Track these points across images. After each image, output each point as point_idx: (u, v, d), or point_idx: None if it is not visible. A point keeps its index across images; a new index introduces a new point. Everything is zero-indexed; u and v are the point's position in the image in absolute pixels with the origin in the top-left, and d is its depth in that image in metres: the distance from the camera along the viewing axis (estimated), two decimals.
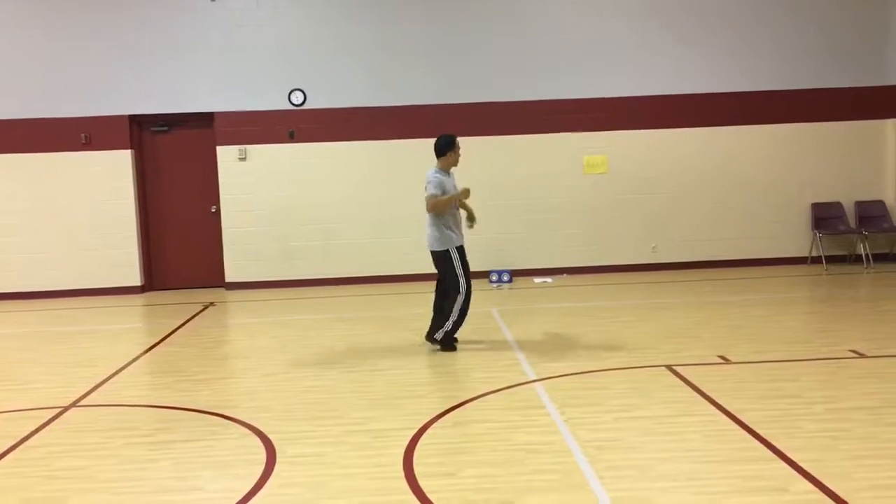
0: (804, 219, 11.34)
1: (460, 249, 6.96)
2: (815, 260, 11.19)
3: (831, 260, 11.13)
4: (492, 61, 11.02)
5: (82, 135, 10.86)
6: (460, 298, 6.91)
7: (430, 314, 7.12)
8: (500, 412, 5.22)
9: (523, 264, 11.14)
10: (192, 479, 4.28)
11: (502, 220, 11.11)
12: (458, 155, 6.97)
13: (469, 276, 6.98)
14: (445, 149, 6.90)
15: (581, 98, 11.08)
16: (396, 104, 11.00)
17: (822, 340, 6.94)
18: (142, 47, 10.82)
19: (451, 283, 6.91)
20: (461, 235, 7.00)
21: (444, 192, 6.78)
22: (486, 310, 8.81)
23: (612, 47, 11.08)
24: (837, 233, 11.19)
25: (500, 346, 7.10)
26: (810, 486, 3.85)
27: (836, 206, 11.29)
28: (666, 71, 11.11)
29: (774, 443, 4.40)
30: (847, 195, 11.33)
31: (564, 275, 11.15)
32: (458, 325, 7.00)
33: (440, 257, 6.93)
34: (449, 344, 6.99)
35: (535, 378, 5.96)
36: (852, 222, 11.27)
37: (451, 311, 6.91)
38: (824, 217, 11.25)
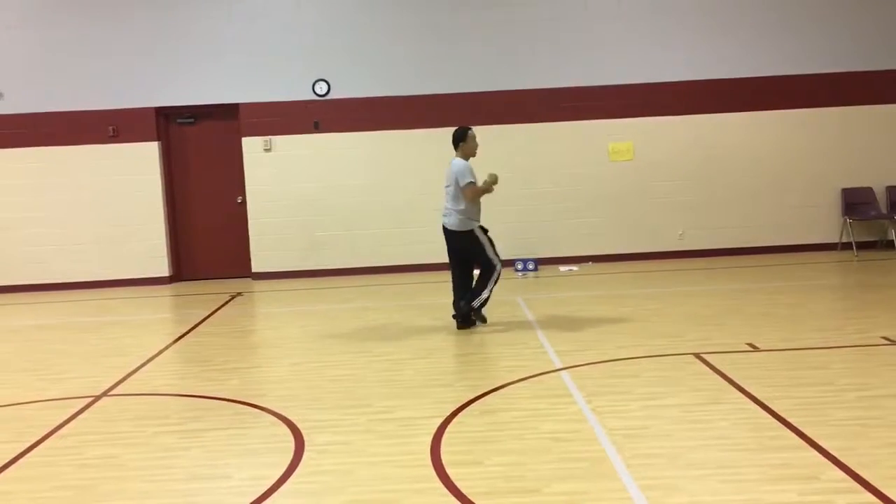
0: (834, 204, 11.18)
1: (482, 229, 7.29)
2: (846, 246, 11.04)
3: (861, 246, 10.96)
4: (516, 49, 10.96)
5: (110, 127, 10.97)
6: (495, 274, 7.26)
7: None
8: (526, 401, 5.22)
9: (549, 252, 11.10)
10: (221, 466, 4.33)
11: (528, 209, 11.08)
12: (475, 144, 7.28)
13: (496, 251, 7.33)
14: (458, 140, 7.23)
15: (607, 85, 11.00)
16: (420, 93, 10.98)
17: (853, 327, 6.85)
18: (167, 40, 10.89)
19: (484, 262, 7.25)
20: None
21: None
22: (511, 298, 8.80)
23: (638, 33, 10.97)
24: (868, 218, 11.03)
25: (526, 334, 7.09)
26: (841, 474, 3.80)
27: (867, 192, 11.12)
28: (693, 56, 10.99)
29: (804, 430, 4.36)
30: (878, 180, 11.15)
31: (590, 263, 11.09)
32: (488, 299, 7.34)
33: (466, 238, 7.23)
34: (480, 314, 7.41)
35: (561, 366, 5.94)
36: (883, 207, 11.10)
37: (487, 285, 7.27)
38: (855, 202, 11.09)
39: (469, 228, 7.20)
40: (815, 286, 8.88)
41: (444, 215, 7.33)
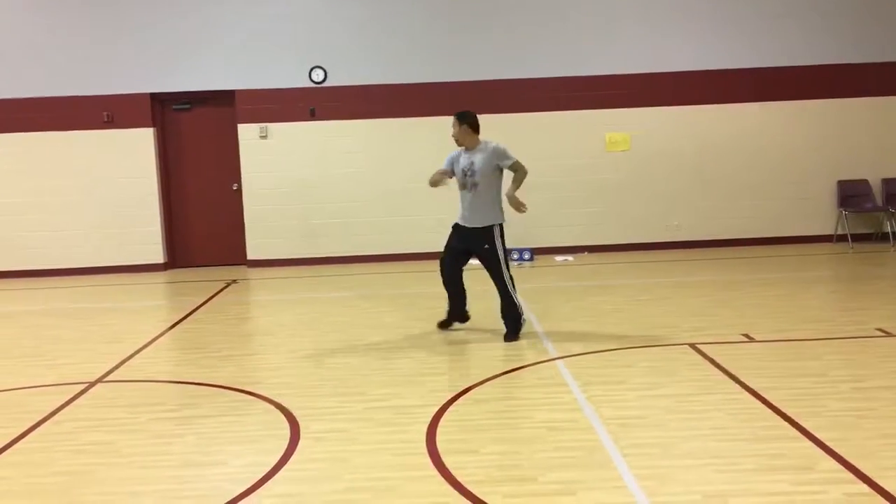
0: (830, 196, 11.20)
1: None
2: (841, 238, 11.06)
3: (857, 238, 10.98)
4: (513, 38, 10.93)
5: (105, 113, 10.91)
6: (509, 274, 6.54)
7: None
8: (522, 390, 5.23)
9: (545, 242, 11.10)
10: (216, 453, 4.32)
11: (524, 198, 11.01)
12: (454, 131, 6.62)
13: None
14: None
15: (603, 74, 10.98)
16: (417, 81, 10.94)
17: (848, 319, 6.87)
18: (163, 25, 10.83)
19: (502, 259, 6.51)
20: None
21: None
22: None
23: (635, 23, 10.95)
24: (864, 211, 11.05)
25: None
26: (836, 464, 3.82)
27: (863, 184, 11.14)
28: (689, 46, 10.98)
29: (799, 421, 4.37)
30: (874, 172, 11.17)
31: (586, 253, 11.10)
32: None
33: (494, 233, 6.51)
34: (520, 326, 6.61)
35: (556, 356, 5.95)
36: (879, 200, 11.12)
37: (513, 293, 6.51)
38: (851, 195, 11.11)
39: (500, 222, 6.55)
40: (810, 278, 8.90)
41: (472, 211, 6.49)
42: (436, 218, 10.73)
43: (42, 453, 4.42)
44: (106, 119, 10.93)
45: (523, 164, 6.58)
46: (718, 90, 11.03)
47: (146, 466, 4.18)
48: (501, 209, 6.64)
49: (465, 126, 6.58)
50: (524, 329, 6.64)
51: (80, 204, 11.00)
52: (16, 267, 10.97)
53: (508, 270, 6.57)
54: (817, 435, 4.17)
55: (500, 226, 6.59)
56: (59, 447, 4.50)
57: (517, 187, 6.55)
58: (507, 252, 6.60)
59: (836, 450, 3.97)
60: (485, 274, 6.63)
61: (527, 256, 10.76)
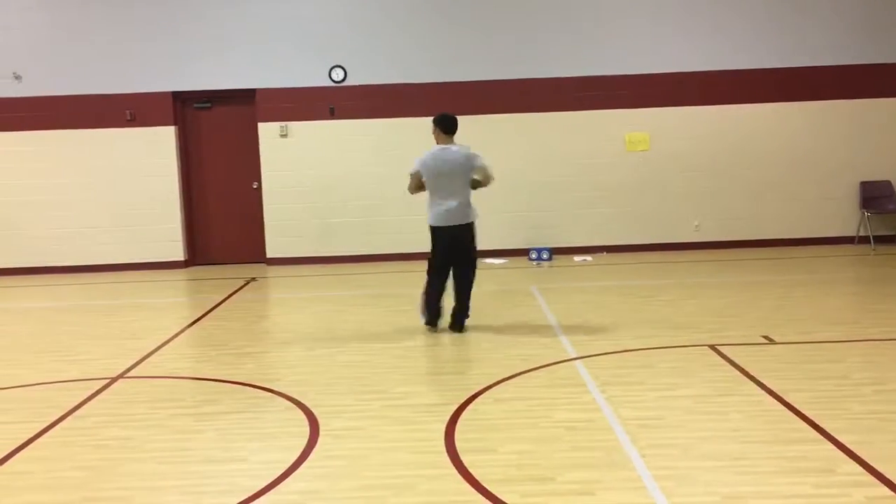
0: (852, 197, 11.09)
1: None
2: (863, 239, 10.95)
3: (879, 240, 10.87)
4: (535, 37, 10.90)
5: (127, 111, 11.00)
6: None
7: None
8: (540, 389, 5.22)
9: (563, 242, 11.06)
10: (236, 450, 4.35)
11: (543, 198, 11.05)
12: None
13: None
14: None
15: (623, 74, 10.93)
16: (437, 81, 10.94)
17: (870, 321, 6.81)
18: (185, 24, 10.90)
19: (474, 256, 6.84)
20: None
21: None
22: (525, 287, 8.79)
23: (655, 22, 10.89)
24: (886, 212, 10.94)
25: (540, 323, 7.08)
26: (858, 467, 3.79)
27: (886, 185, 11.02)
28: (711, 46, 10.90)
29: (820, 424, 4.34)
30: None
31: (604, 253, 11.06)
32: None
33: (472, 229, 6.78)
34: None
35: (575, 356, 5.93)
36: None
37: (471, 287, 6.84)
38: (873, 196, 10.99)
39: (475, 220, 6.79)
40: (831, 279, 8.82)
41: (453, 209, 6.64)
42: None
43: (64, 448, 4.46)
44: (128, 117, 11.01)
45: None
46: (739, 90, 10.95)
47: (166, 462, 4.22)
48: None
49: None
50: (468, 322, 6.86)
51: (101, 201, 11.09)
52: (38, 263, 11.08)
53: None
54: (839, 438, 4.13)
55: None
56: (81, 442, 4.54)
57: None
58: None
59: (858, 453, 3.93)
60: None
61: (545, 256, 10.73)
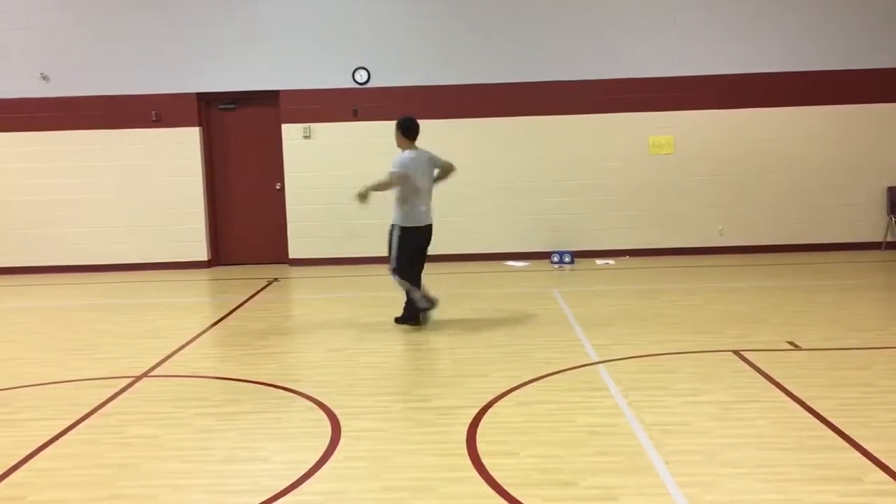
0: (879, 203, 10.96)
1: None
2: (890, 245, 10.83)
3: None
4: (557, 40, 10.87)
5: (153, 112, 11.09)
6: None
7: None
8: (562, 393, 5.20)
9: (585, 245, 11.02)
10: (258, 449, 4.37)
11: (565, 201, 11.01)
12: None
13: None
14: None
15: (647, 77, 10.87)
16: (460, 83, 10.94)
17: None
18: (209, 25, 10.97)
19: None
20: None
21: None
22: (548, 290, 8.76)
23: (681, 25, 10.82)
24: None
25: (562, 327, 7.05)
26: (885, 476, 3.74)
27: None
28: (735, 50, 10.81)
29: (846, 431, 4.29)
30: None
31: (627, 257, 11.00)
32: None
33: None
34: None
35: (598, 360, 5.91)
36: None
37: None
38: None
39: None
40: (857, 286, 8.72)
41: (428, 209, 7.39)
42: (477, 219, 10.74)
43: (89, 446, 4.51)
44: (154, 118, 11.10)
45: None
46: (764, 94, 10.85)
47: (189, 461, 4.24)
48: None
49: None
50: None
51: (126, 201, 11.18)
52: (63, 262, 11.20)
53: None
54: (865, 446, 4.09)
55: None
56: (106, 440, 4.58)
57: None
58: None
59: (886, 461, 3.88)
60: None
61: (567, 259, 10.69)
